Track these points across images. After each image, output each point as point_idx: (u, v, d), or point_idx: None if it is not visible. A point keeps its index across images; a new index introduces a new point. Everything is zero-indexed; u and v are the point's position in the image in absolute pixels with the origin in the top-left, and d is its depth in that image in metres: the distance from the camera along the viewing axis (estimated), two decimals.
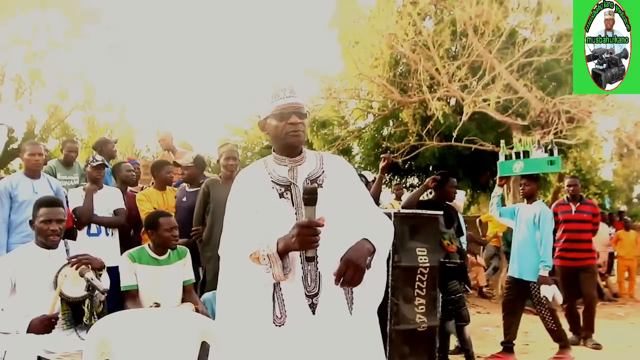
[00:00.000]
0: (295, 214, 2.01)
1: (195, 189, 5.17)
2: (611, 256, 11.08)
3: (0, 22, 14.11)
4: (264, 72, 26.83)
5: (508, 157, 5.67)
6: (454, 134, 10.15)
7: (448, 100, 11.63)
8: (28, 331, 3.08)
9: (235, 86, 35.52)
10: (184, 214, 4.98)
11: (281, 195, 2.04)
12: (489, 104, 9.35)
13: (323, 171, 2.10)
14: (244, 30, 32.65)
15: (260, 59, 32.61)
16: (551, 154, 5.27)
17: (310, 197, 1.89)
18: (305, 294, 1.96)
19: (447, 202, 5.18)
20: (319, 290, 1.97)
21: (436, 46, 9.70)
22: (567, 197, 6.51)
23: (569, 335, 6.38)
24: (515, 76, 9.50)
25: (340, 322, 1.97)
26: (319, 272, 1.97)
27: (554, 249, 6.43)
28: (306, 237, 1.85)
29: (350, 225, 2.00)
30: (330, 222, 1.97)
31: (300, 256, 1.97)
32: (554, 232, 6.40)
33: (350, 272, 1.88)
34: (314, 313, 1.95)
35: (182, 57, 34.73)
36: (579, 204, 6.38)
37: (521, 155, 5.51)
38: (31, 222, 3.46)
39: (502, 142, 5.74)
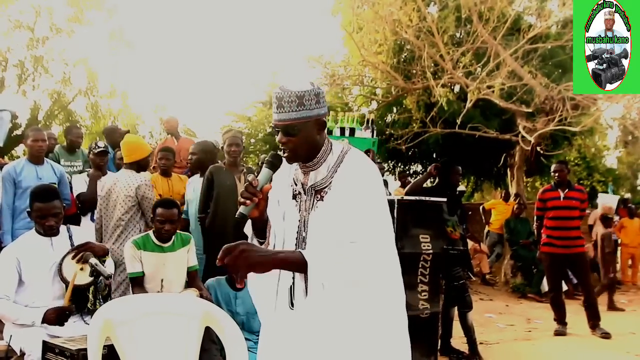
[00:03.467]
0: (299, 220, 1.93)
1: None
2: (615, 244, 11.06)
3: (2, 7, 14.04)
4: (267, 59, 26.74)
5: (330, 132, 5.28)
6: (458, 121, 10.11)
7: (452, 87, 11.56)
8: (42, 322, 3.10)
9: (238, 73, 35.43)
10: None
11: (294, 197, 1.97)
12: (493, 91, 9.30)
13: (330, 182, 1.90)
14: (247, 16, 32.45)
15: (264, 45, 32.43)
16: (372, 134, 5.03)
17: (270, 161, 1.91)
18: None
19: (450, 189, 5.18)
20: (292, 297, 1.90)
21: (440, 32, 9.62)
22: (554, 182, 6.27)
23: (555, 326, 6.20)
24: (520, 63, 9.43)
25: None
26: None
27: (541, 236, 6.34)
28: (241, 193, 1.84)
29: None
30: (320, 239, 1.87)
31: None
32: (541, 218, 6.33)
33: (233, 256, 1.71)
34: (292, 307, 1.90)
35: (184, 43, 34.57)
36: (567, 190, 6.13)
37: (346, 132, 5.12)
38: (29, 212, 3.45)
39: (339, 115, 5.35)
